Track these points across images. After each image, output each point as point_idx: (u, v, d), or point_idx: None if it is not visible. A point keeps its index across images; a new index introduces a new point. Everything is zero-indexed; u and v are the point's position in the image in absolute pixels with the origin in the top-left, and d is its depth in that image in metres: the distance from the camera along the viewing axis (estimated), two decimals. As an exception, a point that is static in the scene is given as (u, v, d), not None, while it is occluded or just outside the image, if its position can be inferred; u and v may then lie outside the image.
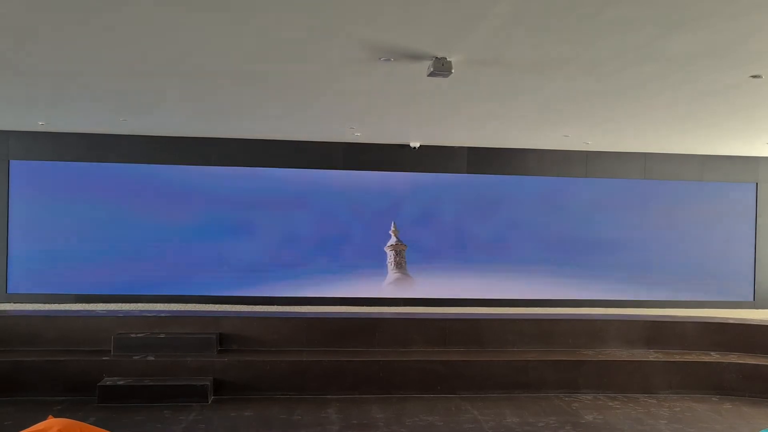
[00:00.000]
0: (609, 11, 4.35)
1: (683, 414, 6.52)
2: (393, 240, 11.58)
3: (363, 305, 10.98)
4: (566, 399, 6.97)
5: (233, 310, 9.54)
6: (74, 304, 10.37)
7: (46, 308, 9.55)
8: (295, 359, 7.03)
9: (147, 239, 10.81)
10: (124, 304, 10.30)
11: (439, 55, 5.42)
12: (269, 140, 10.94)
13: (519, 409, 6.55)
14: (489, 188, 11.38)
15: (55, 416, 4.45)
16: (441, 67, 5.45)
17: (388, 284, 11.48)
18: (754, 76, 5.91)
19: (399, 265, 11.51)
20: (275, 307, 10.64)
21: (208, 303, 10.61)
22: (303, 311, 9.30)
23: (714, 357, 7.50)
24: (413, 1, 4.24)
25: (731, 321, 8.04)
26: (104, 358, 6.90)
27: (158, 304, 10.56)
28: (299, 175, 11.10)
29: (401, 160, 11.21)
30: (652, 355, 7.53)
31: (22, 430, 3.84)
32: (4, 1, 4.37)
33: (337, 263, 11.22)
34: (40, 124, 9.92)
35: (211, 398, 6.68)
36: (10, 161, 10.60)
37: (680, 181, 11.67)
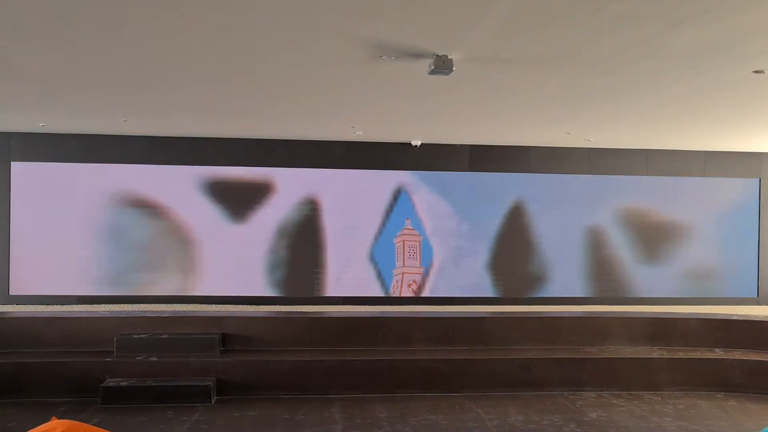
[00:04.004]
0: (611, 7, 4.33)
1: (688, 411, 6.51)
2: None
3: (366, 304, 10.97)
4: (570, 397, 6.96)
5: (236, 310, 9.54)
6: (76, 306, 10.37)
7: (49, 310, 9.55)
8: (299, 359, 7.02)
9: (149, 239, 10.80)
10: (126, 305, 10.30)
11: (440, 53, 5.40)
12: (270, 140, 10.93)
13: (523, 407, 6.54)
14: (492, 184, 11.36)
15: (59, 417, 4.45)
16: (442, 65, 5.44)
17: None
18: (757, 72, 5.89)
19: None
20: (278, 306, 10.64)
21: (211, 303, 10.61)
22: (306, 311, 9.29)
23: (718, 354, 7.48)
24: (414, -2, 4.22)
25: (735, 318, 8.02)
26: (107, 359, 6.90)
27: (160, 305, 10.56)
28: (299, 173, 11.07)
29: (403, 158, 11.19)
30: (656, 353, 7.52)
31: (26, 431, 3.84)
32: (5, 2, 4.36)
33: (340, 262, 11.21)
34: (41, 126, 9.92)
35: (215, 398, 6.68)
36: (12, 163, 10.60)
37: (683, 177, 11.64)
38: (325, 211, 11.20)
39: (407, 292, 11.68)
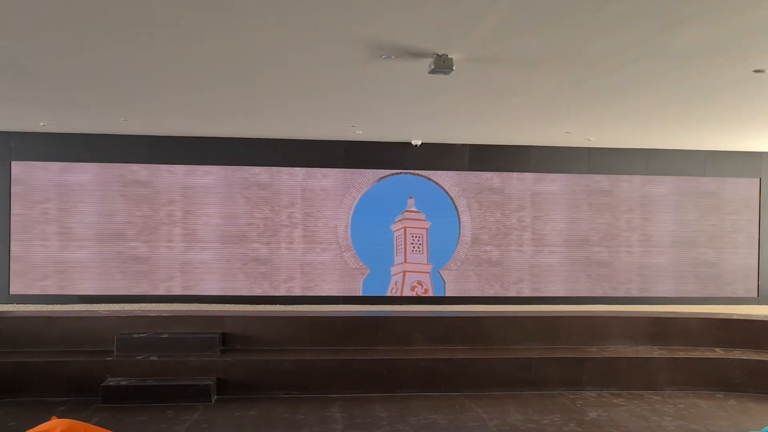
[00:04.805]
0: (610, 7, 4.33)
1: (688, 411, 6.51)
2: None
3: (366, 304, 10.96)
4: (570, 396, 6.96)
5: (236, 309, 9.54)
6: (77, 305, 10.37)
7: (49, 309, 9.55)
8: (299, 358, 7.03)
9: (148, 239, 10.80)
10: (126, 304, 10.30)
11: (440, 53, 5.40)
12: (270, 139, 10.92)
13: (523, 407, 6.54)
14: (487, 181, 11.34)
15: (59, 417, 4.45)
16: (442, 65, 5.44)
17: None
18: (757, 71, 5.89)
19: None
20: (278, 306, 10.64)
21: (211, 303, 10.61)
22: (306, 310, 9.29)
23: (718, 353, 7.48)
24: (414, -2, 4.23)
25: (735, 317, 8.02)
26: (107, 359, 6.91)
27: (161, 304, 10.56)
28: (299, 173, 11.06)
29: (403, 157, 11.18)
30: (656, 352, 7.52)
31: (26, 430, 3.84)
32: (4, 2, 4.36)
33: (341, 261, 11.17)
34: (42, 125, 9.92)
35: (215, 398, 6.68)
36: (12, 162, 10.60)
37: (683, 177, 11.64)
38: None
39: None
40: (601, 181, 10.87)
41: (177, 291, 10.67)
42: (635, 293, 11.48)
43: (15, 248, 10.58)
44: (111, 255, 10.69)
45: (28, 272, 10.62)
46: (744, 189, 11.73)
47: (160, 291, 10.75)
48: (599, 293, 10.95)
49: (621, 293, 11.35)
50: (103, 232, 10.72)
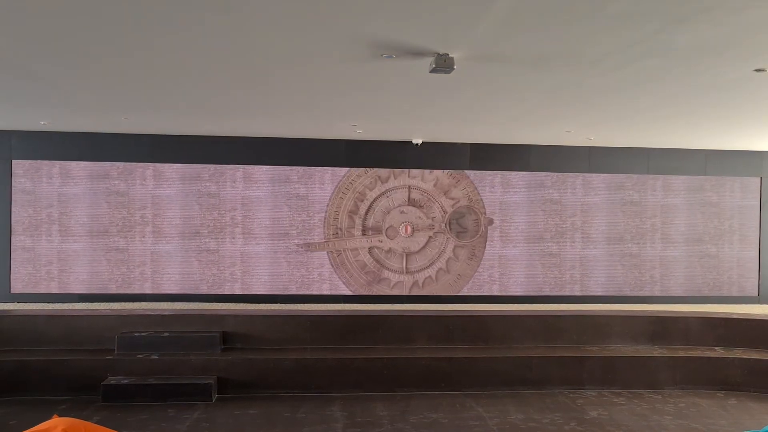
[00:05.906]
0: (612, 6, 4.33)
1: (688, 410, 6.52)
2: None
3: (367, 303, 10.96)
4: (571, 395, 6.97)
5: (237, 308, 9.55)
6: (78, 304, 10.37)
7: (50, 308, 9.56)
8: (299, 357, 7.04)
9: (150, 238, 10.81)
10: (127, 303, 10.30)
11: (441, 52, 5.39)
12: (271, 138, 10.92)
13: (523, 406, 6.55)
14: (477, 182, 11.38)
15: (60, 415, 4.46)
16: (443, 64, 5.43)
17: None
18: (758, 70, 5.88)
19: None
20: (279, 305, 10.64)
21: (212, 301, 10.61)
22: (307, 309, 9.30)
23: (718, 352, 7.49)
24: (415, -3, 4.22)
25: (735, 316, 8.03)
26: (108, 357, 6.92)
27: (162, 303, 10.56)
28: (300, 172, 11.07)
29: (403, 156, 11.18)
30: (657, 351, 7.53)
31: (27, 429, 3.85)
32: (4, 2, 4.36)
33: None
34: (42, 124, 9.92)
35: (215, 396, 6.70)
36: (13, 161, 10.60)
37: (684, 176, 11.63)
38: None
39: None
40: (551, 189, 11.52)
41: (237, 273, 10.95)
42: (635, 292, 11.49)
43: (16, 247, 10.57)
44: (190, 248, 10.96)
45: (29, 270, 10.62)
46: (745, 188, 11.72)
47: (161, 290, 10.79)
48: (550, 276, 11.47)
49: (567, 278, 11.42)
50: (185, 231, 10.90)
